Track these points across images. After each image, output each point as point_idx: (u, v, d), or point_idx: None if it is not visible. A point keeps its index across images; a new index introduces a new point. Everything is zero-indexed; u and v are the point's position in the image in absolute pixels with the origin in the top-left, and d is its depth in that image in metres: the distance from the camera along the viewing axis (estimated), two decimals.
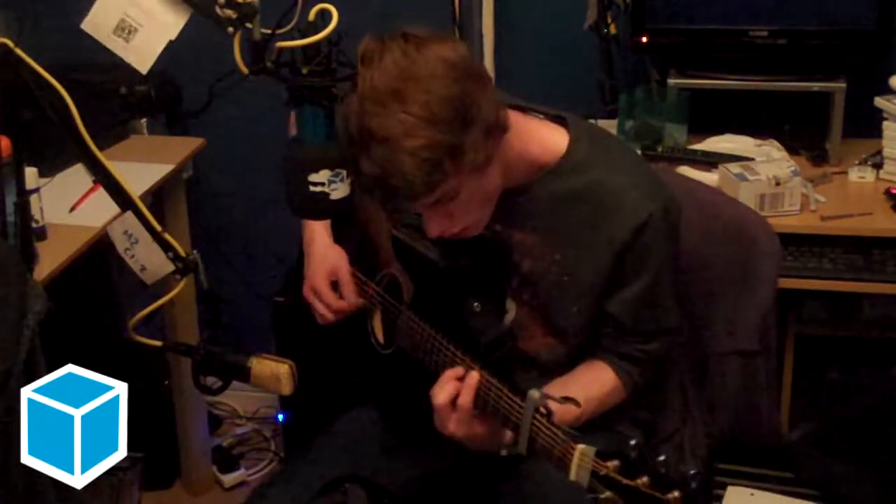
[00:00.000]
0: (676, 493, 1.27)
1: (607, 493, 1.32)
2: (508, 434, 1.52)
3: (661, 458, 1.30)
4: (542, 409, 1.44)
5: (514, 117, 1.61)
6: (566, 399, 1.48)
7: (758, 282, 1.86)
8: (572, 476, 1.37)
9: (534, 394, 1.45)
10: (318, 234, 1.82)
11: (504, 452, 1.58)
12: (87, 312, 2.65)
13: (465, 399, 1.52)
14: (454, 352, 1.60)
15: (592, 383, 1.68)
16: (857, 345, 2.54)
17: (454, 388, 1.53)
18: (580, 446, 1.37)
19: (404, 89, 1.42)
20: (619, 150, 1.71)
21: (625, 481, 1.30)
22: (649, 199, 1.61)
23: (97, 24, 1.48)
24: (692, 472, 1.30)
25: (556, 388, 1.63)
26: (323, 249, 1.80)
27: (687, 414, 1.88)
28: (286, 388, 1.53)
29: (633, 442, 1.34)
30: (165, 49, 1.49)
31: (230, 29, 1.36)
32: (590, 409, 1.63)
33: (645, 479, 1.29)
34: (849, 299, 2.44)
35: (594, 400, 1.65)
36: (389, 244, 1.78)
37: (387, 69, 1.42)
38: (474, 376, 1.52)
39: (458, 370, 1.55)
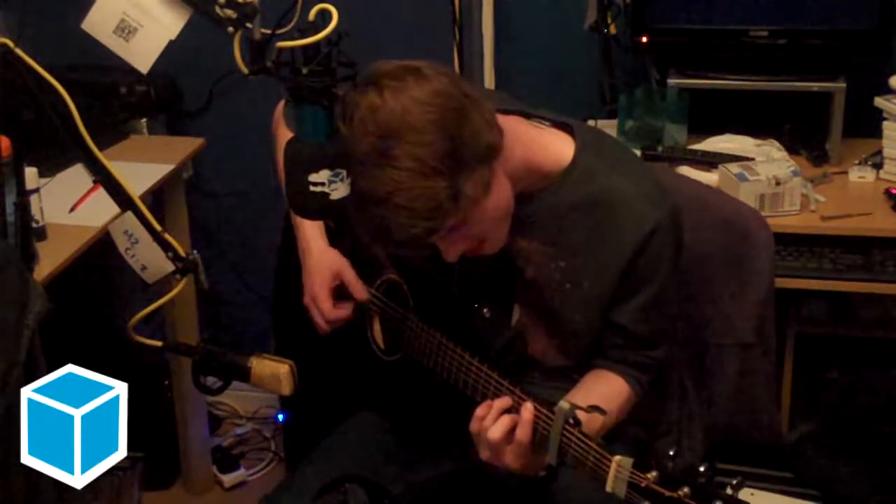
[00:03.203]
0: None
1: None
2: (549, 456, 1.48)
3: (702, 468, 1.29)
4: (571, 420, 1.43)
5: (518, 125, 1.60)
6: (593, 408, 1.46)
7: (753, 274, 1.86)
8: (609, 487, 1.36)
9: (563, 405, 1.43)
10: (314, 240, 1.80)
11: (542, 473, 1.56)
12: (87, 312, 2.65)
13: (524, 434, 1.47)
14: (469, 359, 1.59)
15: (610, 396, 1.66)
16: (857, 345, 2.54)
17: (509, 421, 1.48)
18: (617, 457, 1.36)
19: (386, 146, 1.39)
20: (625, 158, 1.70)
21: (667, 493, 1.30)
22: (656, 207, 1.60)
23: (97, 23, 1.48)
24: (734, 481, 1.29)
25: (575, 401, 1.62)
26: (319, 256, 1.79)
27: (684, 409, 1.88)
28: (286, 388, 1.53)
29: (671, 452, 1.33)
30: (165, 49, 1.49)
31: (230, 29, 1.36)
32: (610, 421, 1.62)
33: (686, 489, 1.28)
34: (849, 299, 2.44)
35: (614, 412, 1.64)
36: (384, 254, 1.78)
37: (365, 126, 1.40)
38: (530, 409, 1.48)
39: (507, 401, 1.50)
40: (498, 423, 1.48)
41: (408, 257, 1.70)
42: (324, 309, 1.76)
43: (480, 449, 1.52)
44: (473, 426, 1.51)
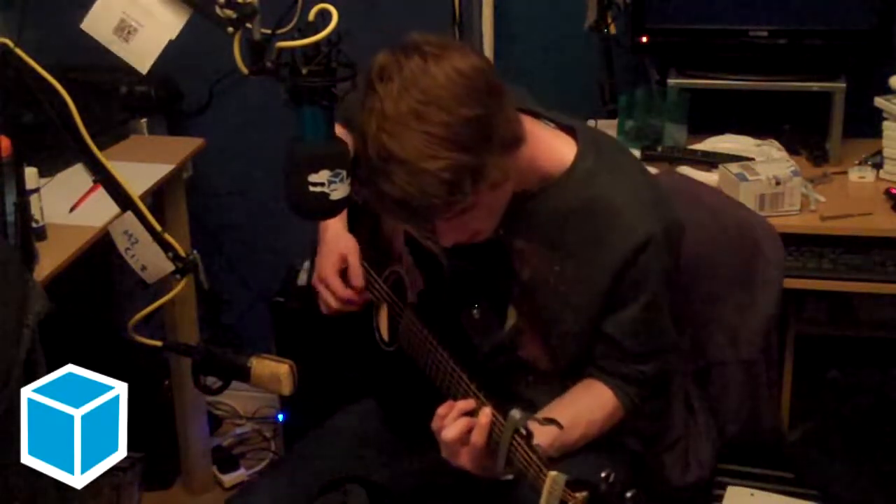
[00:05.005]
0: None
1: None
2: (499, 461, 1.49)
3: (629, 494, 1.30)
4: (522, 430, 1.43)
5: (525, 123, 1.61)
6: (548, 420, 1.46)
7: (761, 288, 1.84)
8: (542, 502, 1.37)
9: (514, 414, 1.43)
10: (332, 223, 1.81)
11: (509, 477, 1.56)
12: (87, 312, 2.65)
13: (479, 439, 1.48)
14: (446, 358, 1.59)
15: (594, 407, 1.66)
16: (857, 345, 2.54)
17: (466, 424, 1.49)
18: (552, 473, 1.35)
19: (425, 110, 1.40)
20: (626, 166, 1.68)
21: None
22: (650, 220, 1.59)
23: (97, 23, 1.49)
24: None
25: (558, 411, 1.59)
26: (335, 237, 1.80)
27: (690, 421, 1.87)
28: (286, 388, 1.53)
29: (603, 474, 1.32)
30: (165, 49, 1.49)
31: (230, 29, 1.36)
32: (592, 432, 1.63)
33: None
34: (849, 299, 2.45)
35: (597, 423, 1.65)
36: (402, 239, 1.78)
37: (406, 88, 1.41)
38: (487, 413, 1.48)
39: (469, 403, 1.51)
40: (455, 423, 1.49)
41: (415, 241, 1.70)
42: (335, 287, 1.76)
43: (440, 447, 1.53)
44: (434, 423, 1.52)
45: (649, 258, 1.58)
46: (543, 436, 1.46)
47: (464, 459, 1.51)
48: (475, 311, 1.63)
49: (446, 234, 1.55)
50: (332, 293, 1.77)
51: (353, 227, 1.82)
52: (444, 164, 1.41)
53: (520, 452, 1.42)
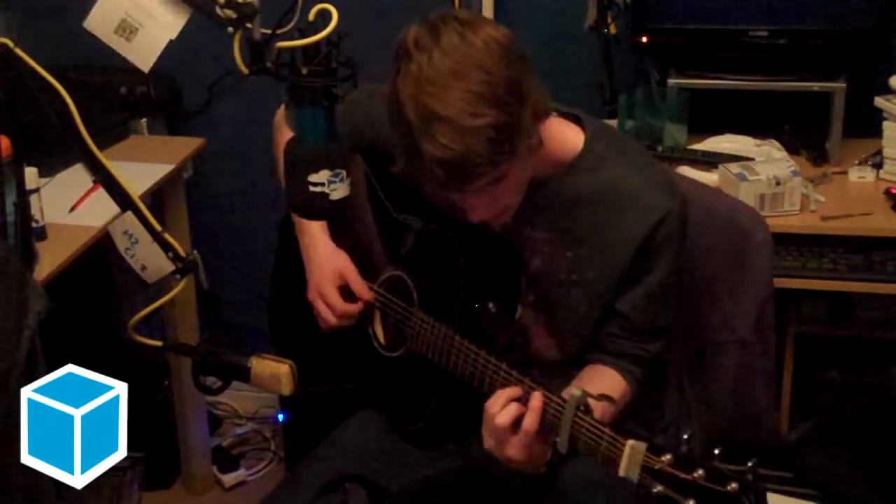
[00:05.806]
0: (735, 485, 1.26)
1: (659, 488, 1.31)
2: (559, 443, 1.47)
3: (717, 451, 1.29)
4: (582, 407, 1.44)
5: None
6: (603, 396, 1.48)
7: (752, 272, 1.86)
8: (622, 472, 1.36)
9: (575, 392, 1.44)
10: (319, 237, 1.81)
11: (543, 470, 1.56)
12: (87, 312, 2.65)
13: (532, 423, 1.47)
14: (476, 351, 1.59)
15: (608, 392, 1.66)
16: (857, 345, 2.54)
17: (517, 409, 1.48)
18: (630, 441, 1.36)
19: (465, 70, 1.43)
20: (633, 149, 1.72)
21: (682, 475, 1.30)
22: (665, 197, 1.62)
23: (99, 23, 1.49)
24: (749, 464, 1.28)
25: None
26: (325, 253, 1.80)
27: (683, 408, 1.88)
28: (286, 389, 1.53)
29: (685, 436, 1.34)
30: (165, 49, 1.49)
31: (230, 29, 1.36)
32: (606, 416, 1.63)
33: (700, 472, 1.28)
34: (849, 299, 2.45)
35: (609, 407, 1.65)
36: (380, 245, 1.78)
37: (445, 52, 1.44)
38: (538, 398, 1.47)
39: (516, 390, 1.50)
40: (505, 409, 1.48)
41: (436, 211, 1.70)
42: (333, 302, 1.76)
43: (485, 437, 1.51)
44: (486, 405, 1.51)
45: (665, 234, 1.62)
46: (601, 412, 1.47)
47: (513, 449, 1.49)
48: (491, 306, 1.64)
49: (477, 209, 1.56)
50: (331, 308, 1.77)
51: (335, 241, 1.82)
52: (486, 122, 1.42)
53: (585, 429, 1.42)
